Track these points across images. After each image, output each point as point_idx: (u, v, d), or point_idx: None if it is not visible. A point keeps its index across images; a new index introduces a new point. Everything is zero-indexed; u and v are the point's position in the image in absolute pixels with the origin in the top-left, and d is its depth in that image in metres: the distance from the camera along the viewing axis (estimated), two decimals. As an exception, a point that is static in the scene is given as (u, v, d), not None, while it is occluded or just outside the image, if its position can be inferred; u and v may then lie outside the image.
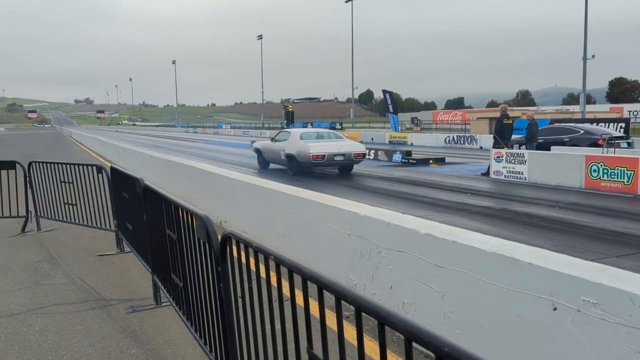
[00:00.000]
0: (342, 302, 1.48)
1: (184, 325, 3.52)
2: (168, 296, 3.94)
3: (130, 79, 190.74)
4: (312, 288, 1.65)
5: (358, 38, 65.13)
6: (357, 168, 16.63)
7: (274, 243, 5.41)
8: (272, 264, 2.04)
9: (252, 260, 2.25)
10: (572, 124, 20.05)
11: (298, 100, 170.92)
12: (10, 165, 7.48)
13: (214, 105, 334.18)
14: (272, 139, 17.53)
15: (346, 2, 63.67)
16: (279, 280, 1.96)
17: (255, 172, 16.23)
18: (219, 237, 2.61)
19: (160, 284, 4.26)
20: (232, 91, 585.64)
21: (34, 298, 4.67)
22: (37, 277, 5.32)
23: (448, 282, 3.27)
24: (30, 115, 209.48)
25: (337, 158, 14.72)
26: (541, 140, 16.37)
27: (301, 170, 15.12)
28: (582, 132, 17.59)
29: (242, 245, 2.34)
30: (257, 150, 18.10)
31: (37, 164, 7.36)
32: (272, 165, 17.32)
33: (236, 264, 2.46)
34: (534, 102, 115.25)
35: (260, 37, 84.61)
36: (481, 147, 28.08)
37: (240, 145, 37.27)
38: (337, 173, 15.98)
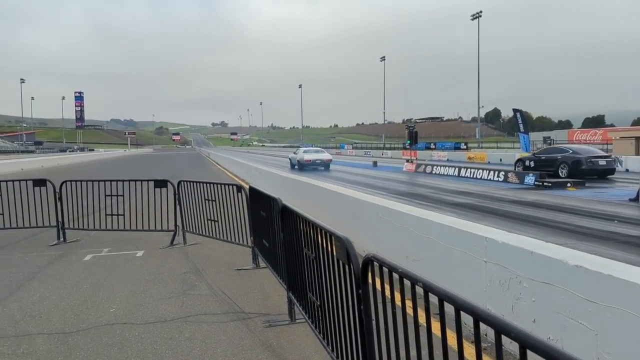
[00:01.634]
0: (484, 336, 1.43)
1: (319, 343, 3.61)
2: (303, 313, 4.08)
3: (261, 103, 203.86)
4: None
5: (484, 55, 62.88)
6: (484, 190, 16.96)
7: (403, 267, 5.36)
8: (417, 290, 2.03)
9: (383, 285, 2.26)
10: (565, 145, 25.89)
11: (420, 120, 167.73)
12: (162, 183, 8.32)
13: (336, 126, 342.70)
14: (294, 152, 33.49)
15: (472, 19, 62.04)
16: (427, 308, 1.94)
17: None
18: (359, 259, 2.66)
19: (295, 301, 4.42)
20: (354, 112, 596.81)
21: (183, 306, 5.11)
22: (184, 287, 5.81)
23: (602, 319, 2.99)
24: (174, 137, 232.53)
25: (317, 161, 30.31)
26: (543, 158, 22.12)
27: (301, 168, 29.62)
28: (570, 151, 21.16)
29: (384, 269, 2.36)
30: (289, 159, 34.21)
31: (185, 182, 8.09)
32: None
33: (377, 286, 2.49)
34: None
35: (383, 58, 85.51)
36: (627, 170, 25.46)
37: (361, 166, 37.67)
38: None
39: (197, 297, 5.40)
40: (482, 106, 70.15)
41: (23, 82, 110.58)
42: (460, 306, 1.65)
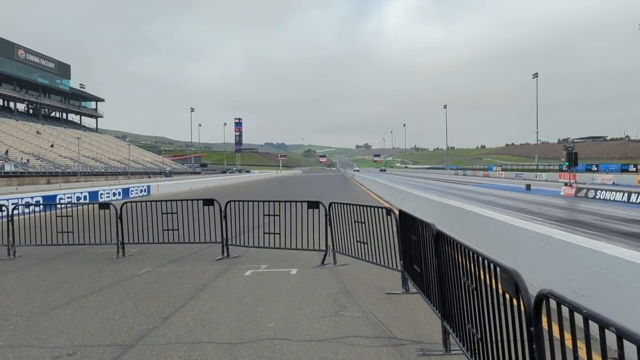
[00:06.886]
0: None
1: (479, 379, 3.43)
2: (460, 345, 3.92)
3: (404, 125, 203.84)
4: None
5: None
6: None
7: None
8: (607, 335, 1.83)
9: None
10: None
11: (579, 140, 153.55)
12: (315, 205, 8.69)
13: (483, 147, 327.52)
14: (352, 169, 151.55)
15: (643, 27, 55.57)
16: (622, 358, 1.74)
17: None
18: (530, 294, 2.49)
19: (450, 331, 4.26)
20: (503, 132, 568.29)
21: (335, 327, 5.21)
22: (336, 307, 5.94)
23: None
24: (320, 159, 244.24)
25: (355, 171, 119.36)
26: None
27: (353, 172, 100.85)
28: None
29: (563, 307, 2.17)
30: (354, 170, 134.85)
31: (335, 204, 8.34)
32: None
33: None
34: None
35: (535, 75, 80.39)
36: None
37: (512, 189, 35.50)
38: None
39: (349, 319, 5.47)
40: (657, 122, 61.86)
41: (193, 110, 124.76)
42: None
